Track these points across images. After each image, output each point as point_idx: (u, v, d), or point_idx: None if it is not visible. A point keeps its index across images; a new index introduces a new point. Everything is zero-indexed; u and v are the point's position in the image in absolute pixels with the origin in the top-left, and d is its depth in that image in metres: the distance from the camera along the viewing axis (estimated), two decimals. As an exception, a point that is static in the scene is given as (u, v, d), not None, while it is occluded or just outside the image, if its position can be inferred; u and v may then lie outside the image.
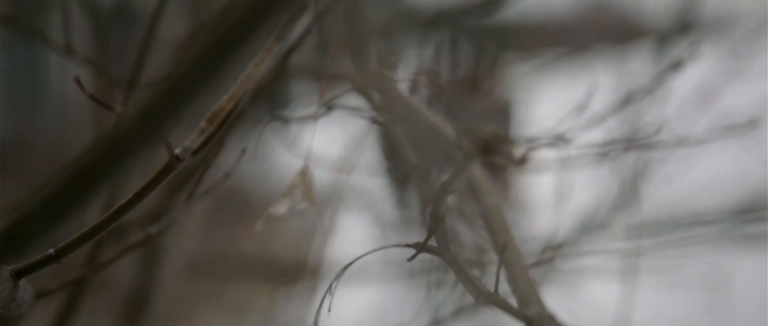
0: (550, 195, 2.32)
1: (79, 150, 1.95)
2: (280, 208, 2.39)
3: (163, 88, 1.47)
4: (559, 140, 1.56)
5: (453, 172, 1.18)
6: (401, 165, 2.53)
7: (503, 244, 1.15)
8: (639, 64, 2.20)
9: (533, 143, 1.46)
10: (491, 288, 1.94)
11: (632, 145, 2.01)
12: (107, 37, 1.73)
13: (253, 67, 1.49)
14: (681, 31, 2.01)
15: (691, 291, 2.42)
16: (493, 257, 2.05)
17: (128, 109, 1.59)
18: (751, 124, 2.26)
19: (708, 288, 2.39)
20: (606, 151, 2.12)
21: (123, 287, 1.60)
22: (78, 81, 1.17)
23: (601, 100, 2.27)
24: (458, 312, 2.04)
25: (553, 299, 2.13)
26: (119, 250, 1.72)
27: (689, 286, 2.42)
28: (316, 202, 2.35)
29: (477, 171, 1.18)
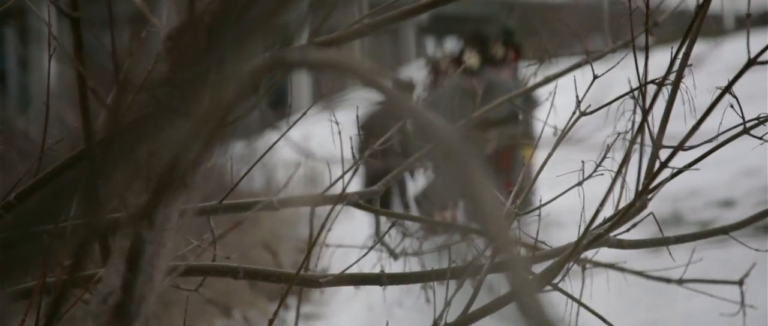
0: (560, 194, 2.27)
1: (68, 149, 1.88)
2: (278, 202, 2.34)
3: (158, 90, 1.41)
4: (570, 137, 1.51)
5: (452, 173, 1.11)
6: (399, 162, 2.47)
7: (500, 249, 1.09)
8: (657, 58, 2.14)
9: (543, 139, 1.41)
10: (495, 293, 1.88)
11: (645, 142, 1.95)
12: (97, 32, 1.67)
13: (250, 60, 1.43)
14: (698, 25, 1.95)
15: (703, 289, 2.37)
16: (492, 261, 2.00)
17: (118, 110, 1.52)
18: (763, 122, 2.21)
19: (722, 285, 2.34)
20: (617, 147, 2.07)
21: (109, 292, 1.53)
22: (47, 103, 1.11)
23: (616, 96, 2.21)
24: (463, 316, 1.98)
25: (558, 301, 2.07)
26: (107, 253, 1.66)
27: (702, 284, 2.37)
28: (314, 196, 2.29)
29: (478, 171, 1.11)
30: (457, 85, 8.62)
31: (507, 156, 9.31)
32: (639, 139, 1.97)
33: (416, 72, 11.60)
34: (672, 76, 2.07)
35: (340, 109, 2.47)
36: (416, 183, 10.55)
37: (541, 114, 2.47)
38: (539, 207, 2.22)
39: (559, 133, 2.30)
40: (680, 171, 2.09)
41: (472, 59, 9.34)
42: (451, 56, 11.28)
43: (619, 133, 2.24)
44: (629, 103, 2.18)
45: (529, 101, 7.54)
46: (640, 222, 2.07)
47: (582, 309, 2.24)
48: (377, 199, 2.40)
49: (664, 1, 2.48)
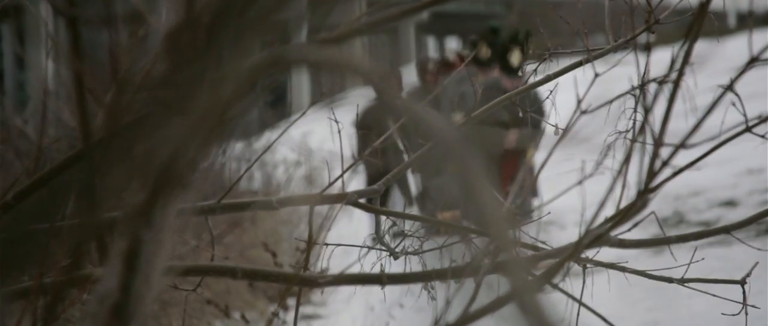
0: (560, 194, 2.25)
1: (63, 150, 1.87)
2: (277, 201, 2.33)
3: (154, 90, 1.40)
4: (573, 134, 1.50)
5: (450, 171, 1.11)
6: (398, 160, 2.46)
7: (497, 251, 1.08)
8: (658, 56, 2.13)
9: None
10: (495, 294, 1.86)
11: (647, 141, 1.94)
12: (94, 33, 1.66)
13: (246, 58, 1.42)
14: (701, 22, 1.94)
15: (705, 288, 2.36)
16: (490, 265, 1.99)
17: (113, 110, 1.51)
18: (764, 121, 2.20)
19: (725, 284, 2.33)
20: (618, 146, 2.06)
21: (107, 292, 1.52)
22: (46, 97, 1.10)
23: (617, 94, 2.20)
24: (463, 316, 1.97)
25: (559, 302, 2.05)
26: (105, 254, 1.65)
27: (705, 283, 2.36)
28: (314, 196, 2.28)
29: (477, 171, 1.10)
30: (494, 83, 8.54)
31: (514, 159, 9.24)
32: (640, 138, 1.96)
33: (413, 72, 11.58)
34: (673, 75, 2.06)
35: (340, 108, 2.45)
36: (417, 183, 10.54)
37: (545, 114, 2.46)
38: (541, 207, 2.21)
39: (561, 132, 2.29)
40: (682, 170, 2.08)
41: (515, 57, 9.18)
42: (460, 54, 11.17)
43: (620, 132, 2.22)
44: (631, 101, 2.16)
45: (536, 103, 7.51)
46: (641, 221, 2.06)
47: (583, 309, 2.23)
48: (377, 198, 2.39)
49: (663, 0, 2.47)
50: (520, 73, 9.10)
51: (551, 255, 2.16)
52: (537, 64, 2.45)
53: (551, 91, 2.32)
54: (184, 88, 1.37)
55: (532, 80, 2.45)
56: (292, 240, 8.13)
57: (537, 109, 7.33)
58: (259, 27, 1.36)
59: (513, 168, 9.03)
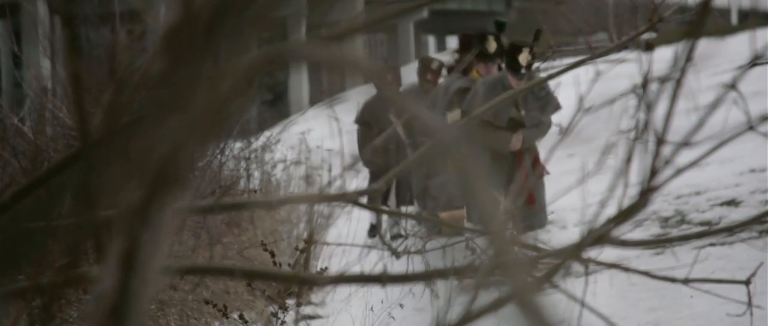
0: (563, 194, 2.24)
1: (59, 150, 1.86)
2: (276, 201, 2.31)
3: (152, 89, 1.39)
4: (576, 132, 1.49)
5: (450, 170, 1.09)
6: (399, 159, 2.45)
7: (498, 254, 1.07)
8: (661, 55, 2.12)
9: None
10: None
11: (649, 139, 1.93)
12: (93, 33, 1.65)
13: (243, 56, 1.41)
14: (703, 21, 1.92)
15: (708, 288, 2.35)
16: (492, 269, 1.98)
17: (109, 110, 1.50)
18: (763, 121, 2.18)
19: (729, 285, 2.32)
20: (621, 144, 2.05)
21: (104, 292, 1.51)
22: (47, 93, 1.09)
23: (619, 92, 2.18)
24: (464, 316, 1.95)
25: (560, 302, 2.04)
26: (103, 253, 1.63)
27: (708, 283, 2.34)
28: (314, 195, 2.27)
29: (478, 171, 1.09)
30: (498, 80, 8.55)
31: (525, 159, 9.18)
32: (642, 137, 1.94)
33: (413, 71, 11.59)
34: (676, 73, 2.04)
35: (339, 106, 2.44)
36: (417, 181, 10.53)
37: (555, 106, 2.45)
38: (550, 206, 2.20)
39: (564, 131, 2.28)
40: (684, 169, 2.07)
41: (523, 56, 9.15)
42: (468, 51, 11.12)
43: (622, 131, 2.21)
44: (633, 100, 2.15)
45: (547, 98, 7.50)
46: (643, 221, 2.05)
47: (585, 309, 2.22)
48: (379, 197, 2.38)
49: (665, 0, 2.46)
50: (526, 72, 9.05)
51: (553, 255, 2.14)
52: (540, 62, 2.44)
53: (554, 89, 2.31)
54: (182, 87, 1.36)
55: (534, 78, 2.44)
56: (292, 239, 8.12)
57: (547, 103, 7.28)
58: (257, 24, 1.35)
59: (521, 168, 8.98)
